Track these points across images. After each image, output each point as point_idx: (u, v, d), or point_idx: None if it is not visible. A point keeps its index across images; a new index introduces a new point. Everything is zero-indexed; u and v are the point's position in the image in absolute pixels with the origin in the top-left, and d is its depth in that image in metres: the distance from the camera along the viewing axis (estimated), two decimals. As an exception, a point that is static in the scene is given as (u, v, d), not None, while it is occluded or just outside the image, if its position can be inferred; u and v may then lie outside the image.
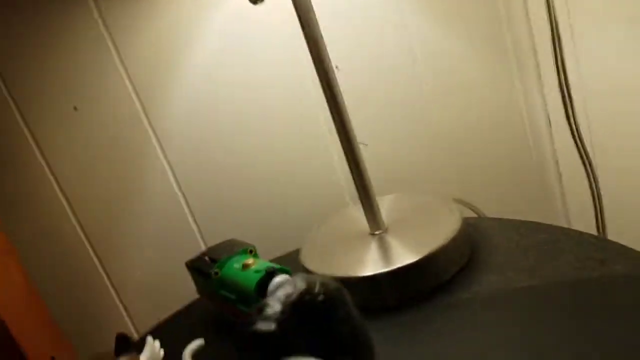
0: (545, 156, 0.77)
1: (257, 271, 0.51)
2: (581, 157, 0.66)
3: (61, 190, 0.72)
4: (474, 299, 0.48)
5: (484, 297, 0.48)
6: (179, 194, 0.75)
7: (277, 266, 0.50)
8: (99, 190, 0.73)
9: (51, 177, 0.71)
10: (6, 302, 0.61)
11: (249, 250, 0.57)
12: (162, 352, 0.43)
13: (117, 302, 0.77)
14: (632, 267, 0.45)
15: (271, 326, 0.23)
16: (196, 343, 0.45)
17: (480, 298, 0.48)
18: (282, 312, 0.24)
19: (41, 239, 0.73)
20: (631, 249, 0.48)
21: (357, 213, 0.63)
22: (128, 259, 0.76)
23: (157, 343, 0.43)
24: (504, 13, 0.72)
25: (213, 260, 0.56)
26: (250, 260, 0.53)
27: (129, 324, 0.78)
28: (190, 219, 0.76)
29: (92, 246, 0.74)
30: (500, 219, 0.61)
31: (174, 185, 0.75)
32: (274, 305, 0.24)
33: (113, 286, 0.76)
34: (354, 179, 0.56)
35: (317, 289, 0.26)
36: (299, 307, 0.25)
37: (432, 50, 0.73)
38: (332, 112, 0.54)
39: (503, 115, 0.76)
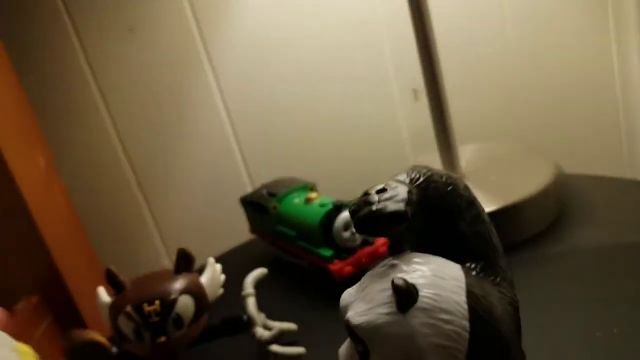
0: (635, 121, 0.69)
1: (322, 205, 0.45)
2: None
3: (111, 117, 0.68)
4: (570, 251, 0.42)
5: (582, 250, 0.41)
6: (230, 131, 0.70)
7: (344, 201, 0.45)
8: (149, 121, 0.68)
9: (102, 103, 0.67)
10: (47, 220, 0.58)
11: (309, 187, 0.52)
12: (222, 277, 0.38)
13: (158, 239, 0.73)
14: None
15: (400, 206, 0.18)
16: (259, 271, 0.40)
17: (578, 251, 0.41)
18: (410, 192, 0.19)
19: (86, 167, 0.69)
20: None
21: (427, 160, 0.57)
22: (172, 194, 0.72)
23: (218, 266, 0.38)
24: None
25: (271, 195, 0.51)
26: (313, 195, 0.48)
27: (168, 264, 0.74)
28: (239, 157, 0.71)
29: (136, 177, 0.71)
30: (595, 176, 0.54)
31: (226, 120, 0.70)
32: (396, 187, 0.19)
33: (155, 221, 0.73)
34: (432, 110, 0.50)
35: (444, 179, 0.20)
36: (425, 194, 0.19)
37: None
38: (420, 47, 0.48)
39: (592, 72, 0.68)
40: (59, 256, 0.58)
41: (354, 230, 0.43)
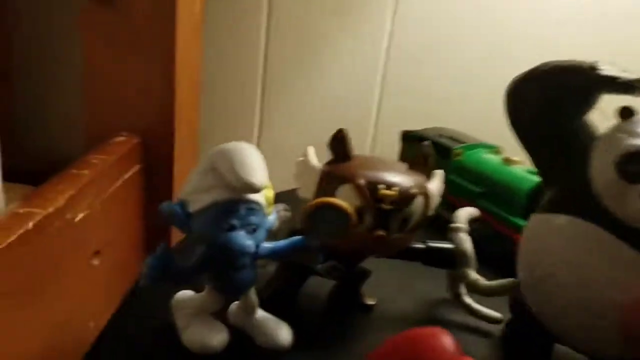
0: None
1: (532, 172, 0.39)
2: None
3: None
4: None
5: None
6: (382, 65, 0.64)
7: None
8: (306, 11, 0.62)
9: None
10: (185, 67, 0.50)
11: (496, 149, 0.46)
12: (438, 199, 0.31)
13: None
14: None
15: None
16: (473, 209, 0.34)
17: None
18: None
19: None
20: None
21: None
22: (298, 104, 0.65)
23: (443, 184, 0.31)
24: None
25: (454, 140, 0.45)
26: (516, 158, 0.42)
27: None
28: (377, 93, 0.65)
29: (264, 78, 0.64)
30: None
31: (382, 52, 0.63)
32: None
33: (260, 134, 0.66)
34: None
35: None
36: None
37: None
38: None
39: None
40: (180, 108, 0.50)
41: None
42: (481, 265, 0.38)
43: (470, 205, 0.41)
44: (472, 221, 0.33)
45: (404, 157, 0.49)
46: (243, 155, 0.22)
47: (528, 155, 0.27)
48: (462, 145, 0.44)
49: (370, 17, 0.62)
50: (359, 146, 0.64)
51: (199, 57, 0.56)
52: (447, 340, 0.18)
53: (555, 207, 0.24)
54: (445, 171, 0.43)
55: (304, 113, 0.65)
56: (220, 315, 0.27)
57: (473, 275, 0.30)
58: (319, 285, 0.32)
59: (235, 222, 0.22)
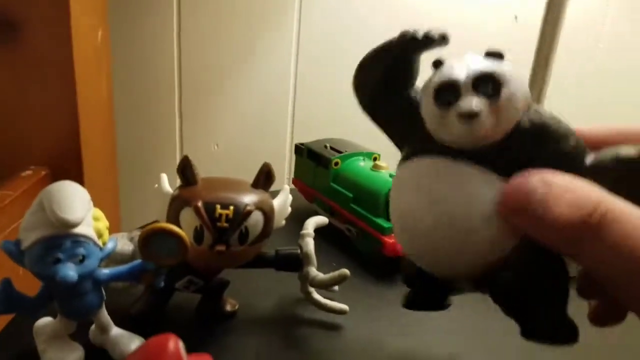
0: None
1: (393, 175, 0.44)
2: None
3: (179, 30, 0.64)
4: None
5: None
6: (292, 85, 0.68)
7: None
8: (216, 41, 0.65)
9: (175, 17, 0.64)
10: (87, 94, 0.54)
11: (375, 156, 0.50)
12: (289, 209, 0.35)
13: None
14: None
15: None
16: (321, 218, 0.38)
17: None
18: None
19: (138, 66, 0.65)
20: None
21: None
22: (209, 123, 0.68)
23: (290, 197, 0.35)
24: None
25: (335, 150, 0.49)
26: (383, 164, 0.46)
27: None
28: (290, 109, 0.69)
29: (180, 90, 0.67)
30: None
31: (292, 72, 0.67)
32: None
33: (182, 143, 0.70)
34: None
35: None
36: None
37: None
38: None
39: None
40: (86, 137, 0.54)
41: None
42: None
43: (342, 210, 0.46)
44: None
45: (297, 169, 0.54)
46: (61, 193, 0.26)
47: (382, 131, 0.28)
48: (339, 155, 0.48)
49: (276, 49, 0.66)
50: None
51: (106, 85, 0.59)
52: (171, 344, 0.21)
53: (404, 159, 0.26)
54: (326, 180, 0.48)
55: (223, 133, 0.69)
56: (82, 335, 0.30)
57: (313, 272, 0.34)
58: (191, 299, 0.36)
59: (60, 255, 0.26)
